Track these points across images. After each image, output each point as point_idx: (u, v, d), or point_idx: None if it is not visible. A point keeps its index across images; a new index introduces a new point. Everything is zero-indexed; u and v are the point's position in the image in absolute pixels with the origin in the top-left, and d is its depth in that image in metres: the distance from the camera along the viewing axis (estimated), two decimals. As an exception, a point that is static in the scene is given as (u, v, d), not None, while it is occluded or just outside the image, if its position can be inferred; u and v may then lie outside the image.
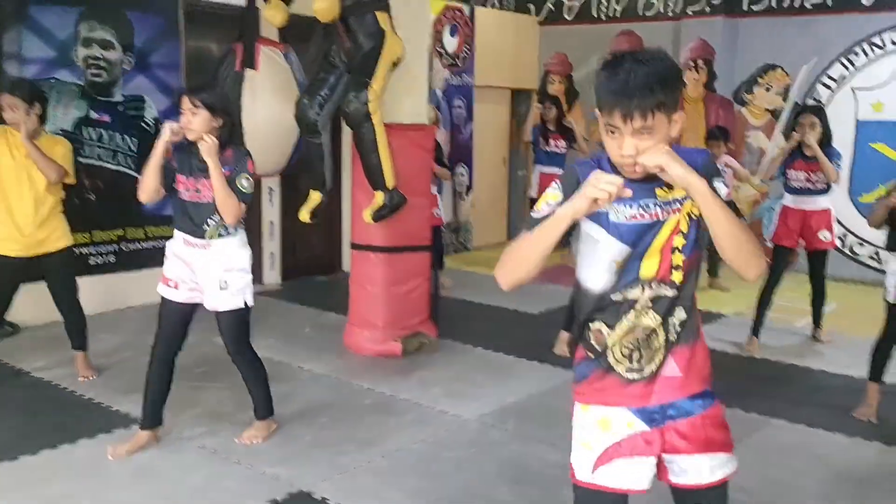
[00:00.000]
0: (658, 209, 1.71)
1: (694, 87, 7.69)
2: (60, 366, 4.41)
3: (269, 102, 4.52)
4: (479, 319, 5.85)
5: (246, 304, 3.37)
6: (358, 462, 3.39)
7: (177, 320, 3.37)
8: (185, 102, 3.15)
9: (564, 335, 4.86)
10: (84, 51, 5.45)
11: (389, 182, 4.53)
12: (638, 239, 1.71)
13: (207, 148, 3.12)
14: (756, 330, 5.15)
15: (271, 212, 6.69)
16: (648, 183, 1.70)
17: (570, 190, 1.69)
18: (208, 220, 3.23)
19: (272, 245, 6.77)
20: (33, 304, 5.26)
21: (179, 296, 3.33)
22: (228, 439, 3.55)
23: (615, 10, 8.85)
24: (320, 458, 3.42)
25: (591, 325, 1.79)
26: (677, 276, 1.73)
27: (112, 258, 5.74)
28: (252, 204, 3.51)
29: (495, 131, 9.17)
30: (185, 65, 5.98)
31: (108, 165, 5.66)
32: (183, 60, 5.97)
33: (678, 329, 1.77)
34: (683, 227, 1.72)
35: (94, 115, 5.54)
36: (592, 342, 1.79)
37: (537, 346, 5.01)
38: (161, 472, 3.26)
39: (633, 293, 1.74)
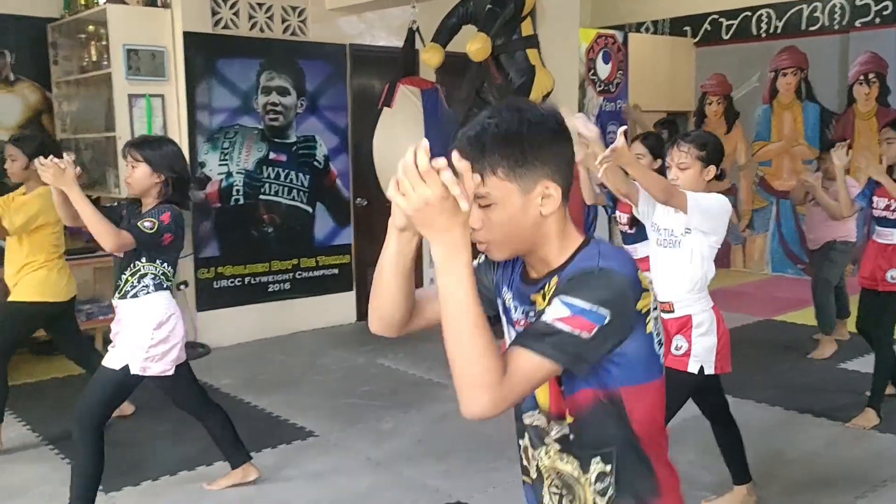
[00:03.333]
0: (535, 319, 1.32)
1: (865, 102, 7.37)
2: (246, 383, 4.87)
3: (390, 135, 4.95)
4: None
5: (128, 368, 3.03)
6: (511, 478, 3.56)
7: None
8: (127, 155, 3.06)
9: None
10: (263, 98, 6.03)
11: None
12: None
13: (53, 174, 2.90)
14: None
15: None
16: (529, 287, 1.40)
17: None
18: (120, 274, 3.13)
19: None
20: (220, 328, 5.83)
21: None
22: (392, 452, 3.82)
23: (776, 26, 8.61)
24: (476, 473, 3.61)
25: (520, 438, 1.50)
26: (568, 415, 1.36)
27: (287, 285, 6.24)
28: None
29: (651, 155, 9.11)
30: (351, 105, 6.46)
31: (284, 201, 6.19)
32: (349, 101, 6.45)
33: (595, 486, 1.37)
34: None
35: (272, 155, 6.09)
36: (523, 459, 1.51)
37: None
38: (330, 479, 3.57)
39: (537, 420, 1.43)
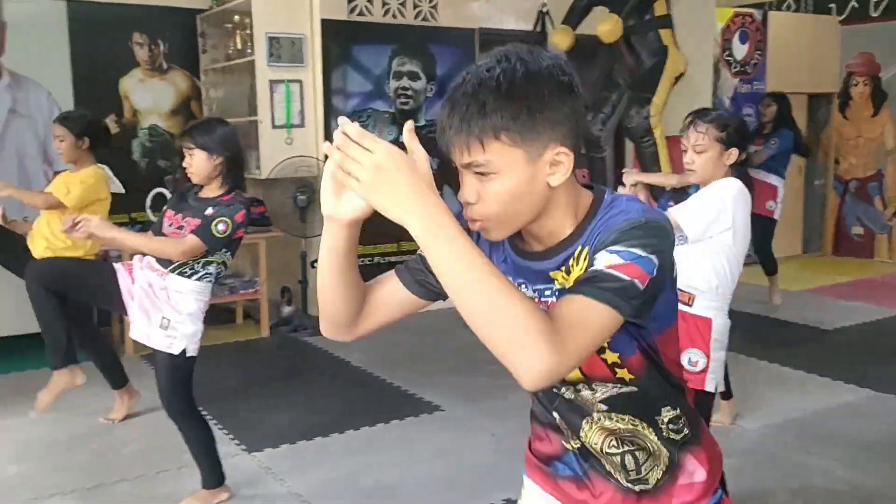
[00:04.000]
0: (555, 299, 1.22)
1: None
2: (376, 359, 5.06)
3: None
4: (768, 333, 5.68)
5: (184, 352, 3.00)
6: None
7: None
8: (183, 145, 3.03)
9: None
10: (395, 83, 6.19)
11: (671, 193, 4.63)
12: None
13: (92, 227, 2.87)
14: None
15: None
16: (539, 262, 1.24)
17: None
18: None
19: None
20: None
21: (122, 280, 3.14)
22: (516, 430, 3.89)
23: (932, 1, 8.05)
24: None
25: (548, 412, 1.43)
26: (628, 374, 1.29)
27: (415, 266, 6.39)
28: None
29: (789, 139, 8.73)
30: (480, 89, 6.52)
31: (414, 183, 6.33)
32: (478, 85, 6.51)
33: (669, 428, 1.36)
34: None
35: (401, 139, 6.24)
36: (550, 433, 1.46)
37: (828, 363, 4.79)
38: (455, 452, 3.68)
39: (567, 391, 1.34)
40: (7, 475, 3.45)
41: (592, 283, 1.09)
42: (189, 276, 3.00)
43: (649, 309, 1.16)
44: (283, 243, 5.86)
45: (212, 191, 3.05)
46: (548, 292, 1.23)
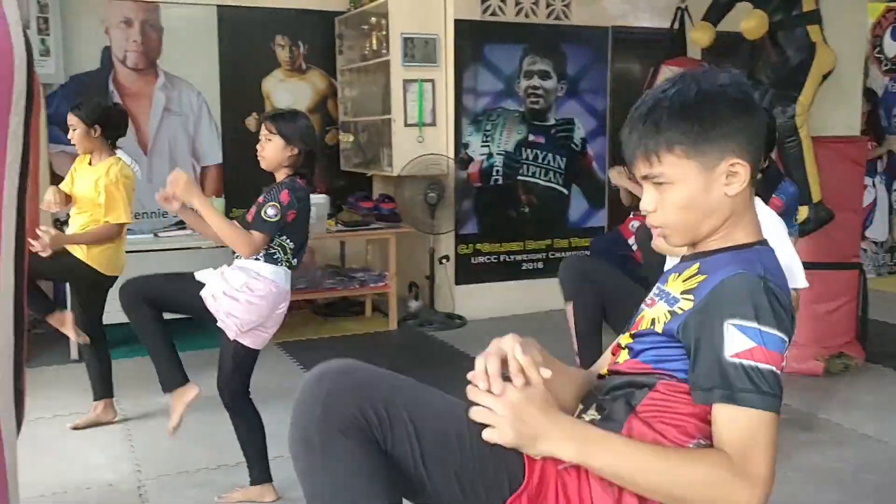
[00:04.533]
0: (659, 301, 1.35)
1: None
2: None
3: None
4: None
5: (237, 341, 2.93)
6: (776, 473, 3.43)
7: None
8: (263, 129, 3.01)
9: None
10: (525, 82, 6.19)
11: (815, 196, 4.43)
12: None
13: (180, 182, 2.86)
14: None
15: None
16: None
17: None
18: None
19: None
20: (476, 302, 6.11)
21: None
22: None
23: None
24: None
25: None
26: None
27: (540, 265, 6.39)
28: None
29: (944, 142, 8.16)
30: (610, 87, 6.45)
31: (540, 182, 6.33)
32: (608, 84, 6.44)
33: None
34: None
35: (531, 137, 6.25)
36: None
37: None
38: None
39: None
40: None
41: (732, 385, 1.10)
42: (256, 260, 2.94)
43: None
44: (413, 239, 5.98)
45: (277, 179, 3.04)
46: (658, 293, 1.31)
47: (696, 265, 1.23)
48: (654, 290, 1.32)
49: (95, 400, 3.94)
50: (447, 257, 6.01)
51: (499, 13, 6.00)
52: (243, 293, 2.89)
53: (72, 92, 5.50)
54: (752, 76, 4.57)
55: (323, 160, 6.36)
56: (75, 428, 3.87)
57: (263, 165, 3.04)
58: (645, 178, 1.24)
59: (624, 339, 1.32)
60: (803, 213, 4.48)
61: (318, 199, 5.62)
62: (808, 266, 4.72)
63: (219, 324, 2.93)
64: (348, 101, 6.43)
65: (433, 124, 5.89)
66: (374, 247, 6.38)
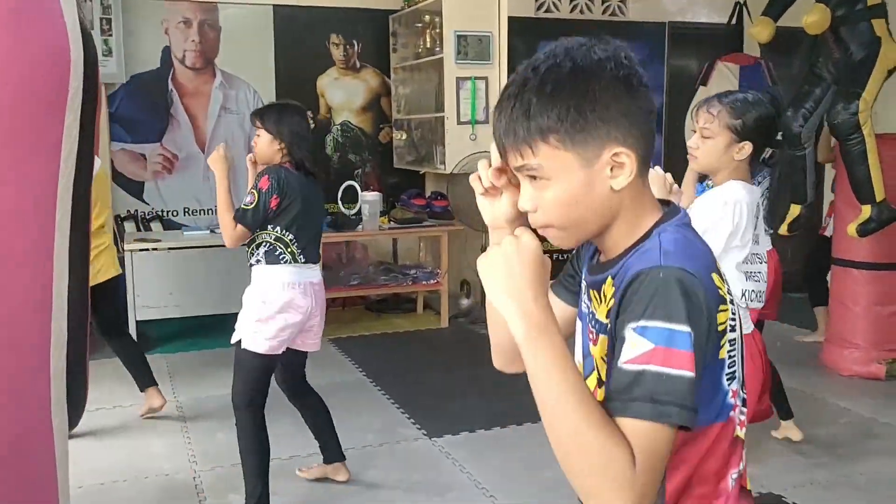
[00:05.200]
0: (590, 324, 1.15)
1: None
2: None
3: None
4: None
5: (241, 343, 2.89)
6: (835, 476, 3.35)
7: None
8: (253, 124, 3.02)
9: None
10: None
11: (879, 195, 4.29)
12: None
13: (215, 153, 2.95)
14: None
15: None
16: (592, 274, 1.15)
17: None
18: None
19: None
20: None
21: None
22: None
23: None
24: (796, 465, 3.44)
25: None
26: None
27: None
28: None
29: None
30: (667, 84, 6.35)
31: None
32: (665, 80, 6.35)
33: None
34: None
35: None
36: None
37: None
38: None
39: None
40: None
41: (622, 393, 0.95)
42: (249, 265, 2.95)
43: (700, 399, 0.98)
44: (465, 237, 5.98)
45: None
46: (587, 315, 1.14)
47: (609, 279, 1.07)
48: (589, 320, 1.14)
49: (141, 391, 4.03)
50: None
51: (553, 10, 5.96)
52: (267, 310, 2.86)
53: (133, 91, 5.64)
54: (813, 71, 4.46)
55: (376, 158, 6.41)
56: (142, 416, 4.00)
57: (258, 161, 3.02)
58: (519, 170, 1.06)
59: (600, 396, 1.07)
60: (866, 212, 4.36)
61: (371, 197, 5.68)
62: (869, 266, 4.62)
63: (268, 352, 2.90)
64: (401, 98, 6.45)
65: (486, 122, 5.87)
66: (426, 244, 6.40)
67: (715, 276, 1.03)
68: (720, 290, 1.02)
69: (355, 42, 6.34)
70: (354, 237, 5.86)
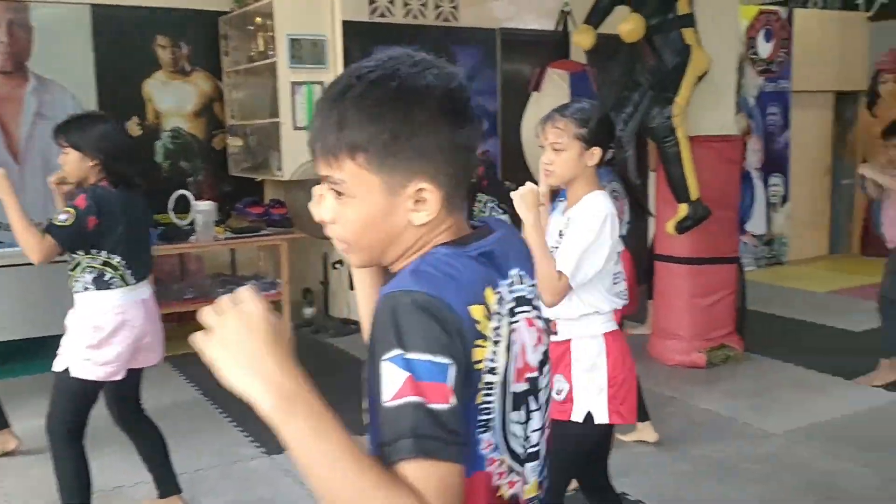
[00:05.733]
0: None
1: None
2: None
3: (538, 119, 4.86)
4: (791, 335, 5.61)
5: (67, 371, 2.70)
6: (659, 463, 3.52)
7: None
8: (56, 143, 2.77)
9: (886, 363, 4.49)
10: (416, 83, 6.17)
11: (693, 194, 4.57)
12: None
13: None
14: None
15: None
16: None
17: None
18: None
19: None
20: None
21: None
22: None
23: (963, -4, 7.90)
24: (622, 456, 3.59)
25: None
26: None
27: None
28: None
29: (816, 138, 8.62)
30: (501, 89, 6.50)
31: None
32: (499, 85, 6.49)
33: None
34: None
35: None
36: None
37: (856, 366, 4.70)
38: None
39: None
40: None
41: (384, 432, 0.86)
42: (74, 292, 2.74)
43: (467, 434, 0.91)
44: (306, 245, 5.87)
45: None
46: None
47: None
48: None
49: None
50: (341, 262, 5.93)
51: (387, 14, 5.96)
52: (99, 336, 2.69)
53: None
54: (632, 77, 4.69)
55: (210, 165, 6.18)
56: None
57: (69, 179, 2.78)
58: (324, 179, 1.00)
59: None
60: (683, 210, 4.62)
61: (205, 206, 5.46)
62: (688, 262, 4.91)
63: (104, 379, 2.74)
64: (235, 103, 6.25)
65: (323, 127, 5.79)
66: (266, 253, 6.23)
67: (476, 309, 0.94)
68: (478, 325, 0.94)
69: (183, 44, 6.08)
70: (188, 249, 5.61)
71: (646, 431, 3.71)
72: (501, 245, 1.05)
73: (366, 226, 0.99)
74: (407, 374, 0.86)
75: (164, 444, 3.06)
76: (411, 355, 0.86)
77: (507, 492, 1.01)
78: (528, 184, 2.22)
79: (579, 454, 2.33)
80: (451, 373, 0.87)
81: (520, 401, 1.03)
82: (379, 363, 0.89)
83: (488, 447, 0.98)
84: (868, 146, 8.50)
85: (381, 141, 0.94)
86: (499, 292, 1.00)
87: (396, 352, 0.87)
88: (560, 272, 2.17)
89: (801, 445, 3.70)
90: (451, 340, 0.89)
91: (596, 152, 2.30)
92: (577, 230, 2.24)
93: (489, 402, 0.96)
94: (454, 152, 0.98)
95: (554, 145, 2.31)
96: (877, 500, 3.18)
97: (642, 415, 3.63)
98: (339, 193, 0.98)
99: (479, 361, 0.94)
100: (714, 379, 4.64)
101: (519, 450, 1.03)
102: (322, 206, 1.02)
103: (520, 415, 1.03)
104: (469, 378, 0.92)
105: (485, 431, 0.97)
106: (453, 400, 0.87)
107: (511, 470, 1.02)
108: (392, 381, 0.87)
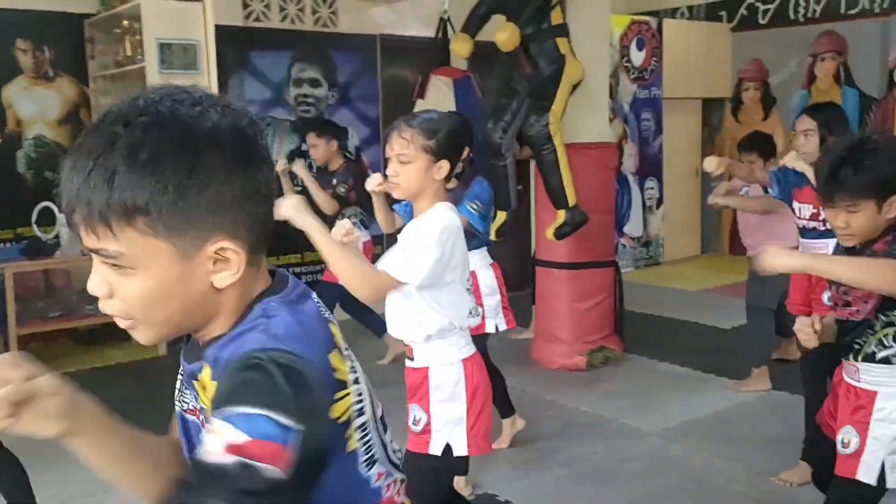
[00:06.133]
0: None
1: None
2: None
3: None
4: (667, 335, 5.82)
5: None
6: (540, 468, 3.57)
7: None
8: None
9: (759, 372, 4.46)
10: (295, 90, 6.06)
11: (571, 200, 4.67)
12: None
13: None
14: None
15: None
16: (189, 360, 1.02)
17: None
18: None
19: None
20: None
21: None
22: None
23: (814, 10, 8.41)
24: (504, 463, 3.62)
25: None
26: None
27: (319, 276, 6.28)
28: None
29: (686, 143, 9.01)
30: (382, 95, 6.47)
31: (317, 192, 6.22)
32: (380, 92, 6.46)
33: None
34: None
35: (304, 147, 6.13)
36: None
37: (726, 362, 4.92)
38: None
39: None
40: None
41: (197, 487, 0.78)
42: None
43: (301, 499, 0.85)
44: (181, 257, 5.65)
45: None
46: (201, 407, 0.95)
47: (206, 367, 0.91)
48: (206, 418, 0.95)
49: None
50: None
51: (263, 19, 5.82)
52: None
53: None
54: (510, 85, 4.75)
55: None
56: None
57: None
58: (93, 252, 0.85)
59: None
60: (561, 217, 4.72)
61: (71, 219, 5.17)
62: (567, 266, 5.01)
63: None
64: (103, 109, 5.95)
65: (198, 135, 5.60)
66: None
67: (334, 356, 0.89)
68: (337, 373, 0.89)
69: (46, 48, 5.75)
70: (53, 265, 5.30)
71: (513, 423, 3.79)
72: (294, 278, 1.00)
73: (159, 299, 0.86)
74: (245, 434, 0.78)
75: (25, 478, 2.85)
76: (260, 412, 0.79)
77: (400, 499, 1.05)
78: (344, 221, 2.19)
79: (440, 486, 2.29)
80: (294, 438, 0.80)
81: (384, 420, 1.03)
82: (216, 414, 0.80)
83: (380, 477, 0.98)
84: (733, 150, 8.95)
85: (164, 199, 0.80)
86: (335, 325, 0.96)
87: (241, 409, 0.78)
88: (382, 270, 2.10)
89: (677, 443, 3.83)
90: (305, 406, 0.81)
91: (444, 166, 2.19)
92: (410, 233, 2.19)
93: (369, 440, 0.95)
94: (252, 199, 0.86)
95: (400, 157, 2.17)
96: (746, 494, 3.32)
97: (508, 410, 3.74)
98: (116, 266, 0.84)
99: (345, 412, 0.90)
100: (594, 381, 4.76)
101: (396, 461, 1.05)
102: (92, 278, 0.86)
103: (387, 433, 1.04)
104: (335, 433, 0.89)
105: (371, 466, 0.96)
106: (284, 467, 0.79)
107: (402, 481, 1.04)
108: (226, 436, 0.78)
